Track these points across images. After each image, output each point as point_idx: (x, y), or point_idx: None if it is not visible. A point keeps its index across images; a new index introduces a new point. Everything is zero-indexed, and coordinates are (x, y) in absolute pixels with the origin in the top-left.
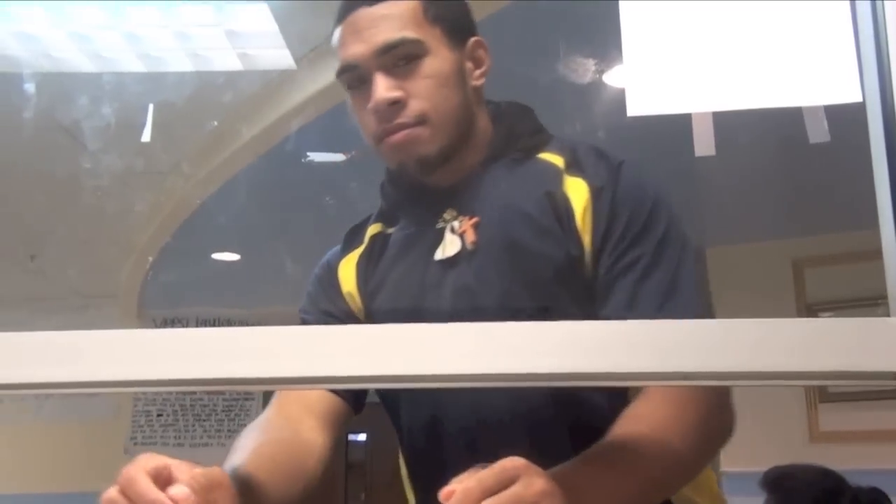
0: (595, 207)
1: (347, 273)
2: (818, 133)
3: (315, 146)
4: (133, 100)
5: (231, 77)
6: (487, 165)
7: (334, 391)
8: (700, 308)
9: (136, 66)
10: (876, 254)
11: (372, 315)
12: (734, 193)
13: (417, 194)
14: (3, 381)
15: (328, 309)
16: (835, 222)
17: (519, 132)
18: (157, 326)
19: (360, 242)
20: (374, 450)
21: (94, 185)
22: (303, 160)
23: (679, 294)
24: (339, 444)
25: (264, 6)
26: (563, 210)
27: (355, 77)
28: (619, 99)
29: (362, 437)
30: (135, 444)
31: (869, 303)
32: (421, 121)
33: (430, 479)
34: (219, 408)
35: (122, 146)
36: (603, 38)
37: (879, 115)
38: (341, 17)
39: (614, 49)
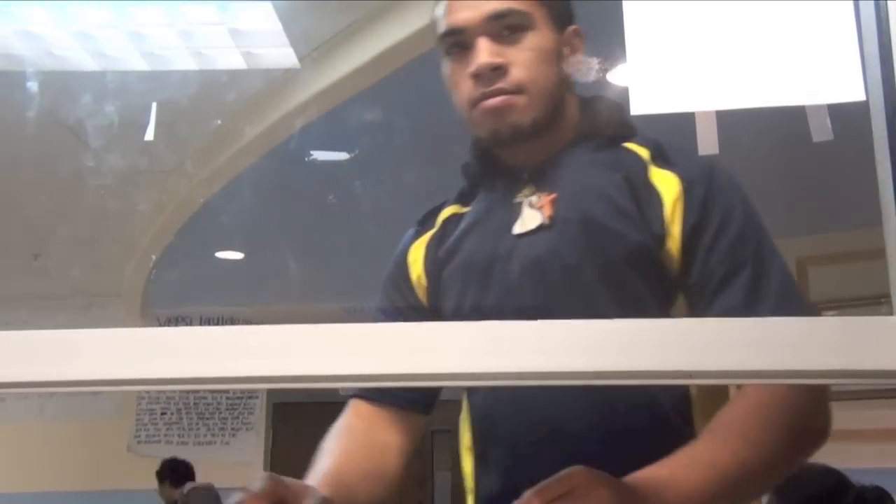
0: (687, 200)
1: (416, 256)
2: (821, 132)
3: (318, 145)
4: (136, 98)
5: (235, 76)
6: (569, 148)
7: (396, 402)
8: (803, 306)
9: (139, 64)
10: (879, 252)
11: (438, 289)
12: None
13: (499, 171)
14: (7, 379)
15: (399, 305)
16: (838, 221)
17: (605, 121)
18: (160, 325)
19: (432, 226)
20: None
21: (98, 184)
22: (306, 159)
23: (788, 294)
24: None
25: (268, 5)
26: (645, 196)
27: (458, 42)
28: (623, 97)
29: None
30: (138, 442)
31: (873, 301)
32: (519, 90)
33: (494, 453)
34: (222, 406)
35: (125, 145)
36: (607, 37)
37: (882, 114)
38: None
39: (618, 47)
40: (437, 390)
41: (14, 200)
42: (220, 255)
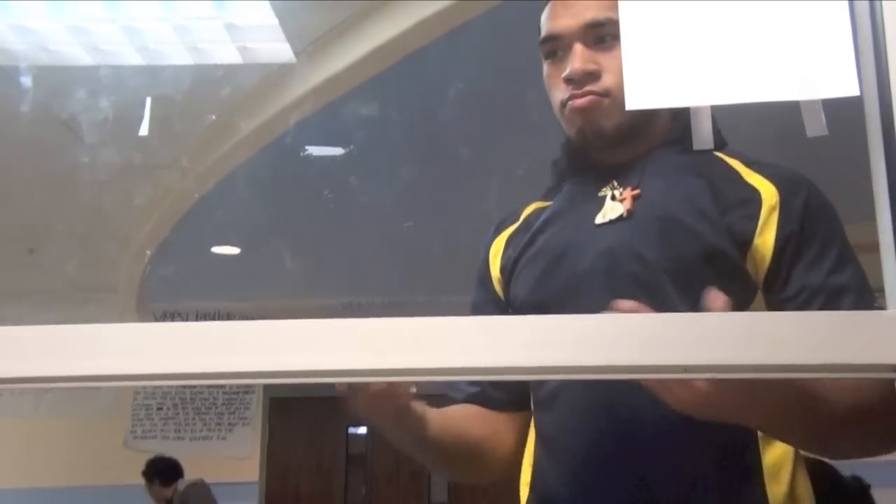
0: (786, 210)
1: (497, 250)
2: (816, 127)
3: (314, 140)
4: (132, 93)
5: (230, 71)
6: (658, 151)
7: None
8: None
9: (135, 59)
10: (875, 246)
11: (514, 279)
12: None
13: (587, 168)
14: (2, 375)
15: (484, 299)
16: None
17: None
18: (156, 320)
19: (515, 220)
20: (375, 443)
21: (93, 179)
22: (302, 154)
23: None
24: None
25: (264, 0)
26: (735, 200)
27: (556, 47)
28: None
29: (363, 430)
30: (135, 437)
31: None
32: (606, 94)
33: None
34: (219, 401)
35: (120, 140)
36: None
37: (877, 109)
38: None
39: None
40: (524, 386)
41: (9, 195)
42: (217, 249)
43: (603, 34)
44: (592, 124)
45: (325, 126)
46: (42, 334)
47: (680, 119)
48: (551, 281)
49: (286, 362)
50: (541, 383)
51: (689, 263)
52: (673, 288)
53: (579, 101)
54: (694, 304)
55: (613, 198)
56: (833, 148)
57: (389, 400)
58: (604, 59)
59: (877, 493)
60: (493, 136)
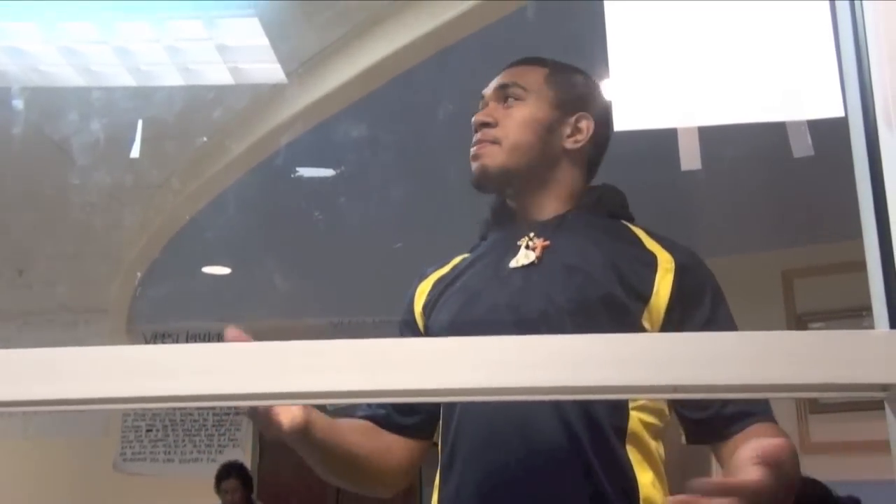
0: (681, 277)
1: (423, 291)
2: (802, 147)
3: (305, 161)
4: (123, 115)
5: (221, 92)
6: (573, 212)
7: (400, 430)
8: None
9: (126, 80)
10: (864, 264)
11: (434, 310)
12: (723, 206)
13: (509, 222)
14: None
15: (409, 335)
16: (823, 233)
17: (608, 200)
18: (146, 341)
19: (443, 265)
20: None
21: (83, 200)
22: (292, 175)
23: None
24: None
25: (255, 21)
26: (638, 260)
27: (482, 105)
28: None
29: None
30: (124, 460)
31: (858, 313)
32: (495, 141)
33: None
34: (209, 423)
35: (111, 161)
36: (590, 55)
37: (861, 130)
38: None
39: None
40: (433, 416)
41: None
42: (207, 270)
43: (506, 94)
44: (480, 165)
45: (315, 147)
46: (31, 357)
47: (594, 190)
48: (466, 314)
49: (277, 384)
50: (450, 412)
51: (587, 306)
52: (572, 327)
53: (473, 148)
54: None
55: (528, 247)
56: (823, 165)
57: (285, 414)
58: (502, 114)
59: None
60: None
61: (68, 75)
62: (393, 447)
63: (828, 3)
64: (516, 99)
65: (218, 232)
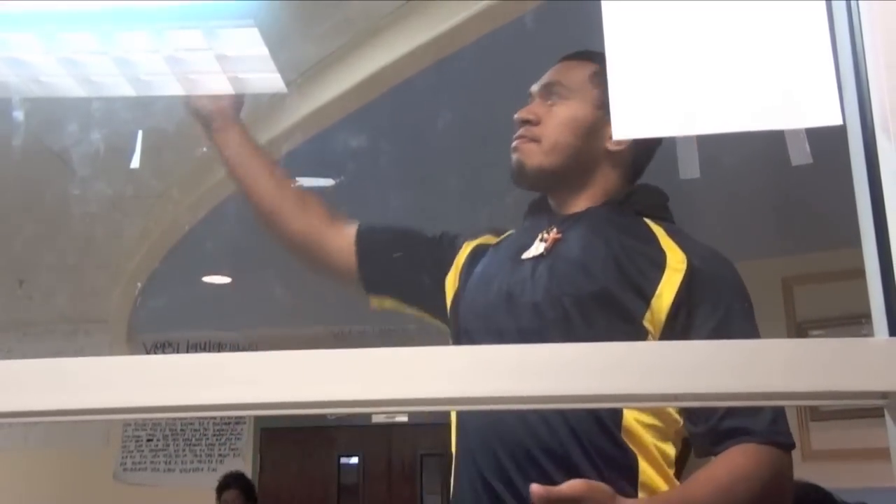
0: (689, 280)
1: (465, 252)
2: (800, 155)
3: (304, 170)
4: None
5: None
6: (596, 207)
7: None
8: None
9: (126, 90)
10: (863, 271)
11: (462, 283)
12: (723, 214)
13: (543, 212)
14: None
15: (421, 255)
16: (824, 240)
17: (637, 198)
18: (147, 350)
19: (494, 236)
20: (366, 473)
21: (83, 211)
22: (292, 185)
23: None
24: (332, 467)
25: (254, 31)
26: (647, 259)
27: (529, 101)
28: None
29: (354, 460)
30: (125, 469)
31: (858, 320)
32: (534, 139)
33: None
34: (209, 432)
35: (112, 171)
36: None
37: (860, 138)
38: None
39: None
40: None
41: None
42: (208, 279)
43: (551, 92)
44: (518, 161)
45: (315, 156)
46: (31, 368)
47: (626, 188)
48: (480, 296)
49: (277, 394)
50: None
51: (583, 301)
52: (564, 321)
53: (513, 143)
54: (584, 334)
55: (542, 239)
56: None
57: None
58: (544, 112)
59: None
60: (482, 165)
61: (68, 86)
62: (330, 234)
63: (825, 11)
64: (560, 97)
65: (218, 241)
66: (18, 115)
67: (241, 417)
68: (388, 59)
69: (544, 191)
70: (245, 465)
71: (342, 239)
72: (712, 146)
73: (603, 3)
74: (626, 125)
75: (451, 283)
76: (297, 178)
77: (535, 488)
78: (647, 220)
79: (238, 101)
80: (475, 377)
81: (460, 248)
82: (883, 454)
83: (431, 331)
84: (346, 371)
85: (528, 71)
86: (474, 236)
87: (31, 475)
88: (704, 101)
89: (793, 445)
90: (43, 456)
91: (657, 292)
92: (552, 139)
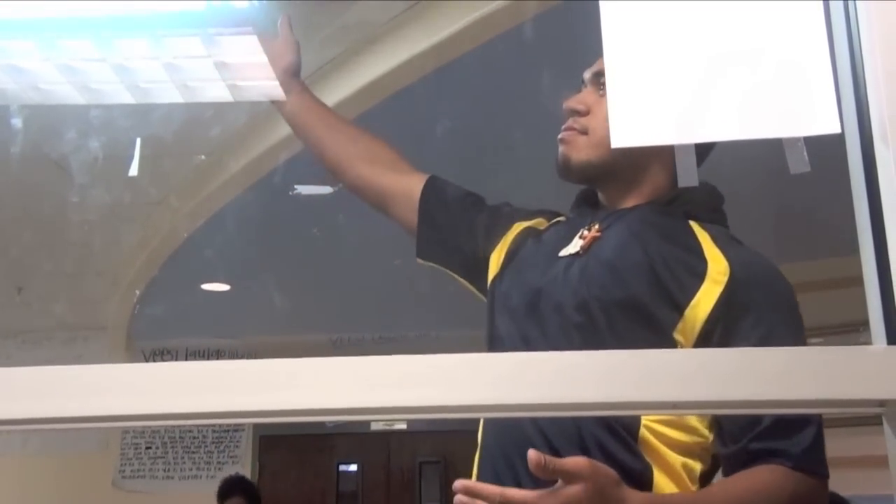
0: (730, 293)
1: (516, 231)
2: (798, 164)
3: (303, 178)
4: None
5: (220, 109)
6: (643, 206)
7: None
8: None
9: (125, 97)
10: (862, 279)
11: (503, 266)
12: None
13: (589, 205)
14: None
15: (486, 222)
16: (822, 248)
17: (686, 198)
18: (145, 358)
19: (546, 220)
20: (365, 480)
21: (82, 218)
22: (291, 192)
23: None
24: (330, 475)
25: (253, 38)
26: (686, 267)
27: (580, 88)
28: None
29: (353, 467)
30: (123, 477)
31: (857, 328)
32: (584, 131)
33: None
34: (208, 439)
35: (110, 179)
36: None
37: (858, 147)
38: None
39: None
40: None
41: None
42: (206, 287)
43: (601, 82)
44: (564, 155)
45: (314, 164)
46: (30, 376)
47: (675, 186)
48: (514, 288)
49: (275, 401)
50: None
51: (611, 306)
52: (589, 325)
53: (561, 134)
54: (609, 341)
55: (581, 236)
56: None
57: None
58: (595, 103)
59: None
60: (481, 172)
61: (67, 93)
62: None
63: (824, 20)
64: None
65: (217, 249)
66: (17, 122)
67: (239, 425)
68: (387, 67)
69: (591, 185)
70: (244, 472)
71: (407, 193)
72: (711, 154)
73: (601, 10)
74: (624, 133)
75: (496, 260)
76: (296, 186)
77: (532, 454)
78: (694, 224)
79: (297, 61)
80: (475, 384)
81: (512, 226)
82: (881, 462)
83: (430, 338)
84: (345, 379)
85: (528, 79)
86: (528, 217)
87: (29, 482)
88: (703, 110)
89: (826, 476)
90: (41, 463)
91: (692, 303)
92: (601, 133)
